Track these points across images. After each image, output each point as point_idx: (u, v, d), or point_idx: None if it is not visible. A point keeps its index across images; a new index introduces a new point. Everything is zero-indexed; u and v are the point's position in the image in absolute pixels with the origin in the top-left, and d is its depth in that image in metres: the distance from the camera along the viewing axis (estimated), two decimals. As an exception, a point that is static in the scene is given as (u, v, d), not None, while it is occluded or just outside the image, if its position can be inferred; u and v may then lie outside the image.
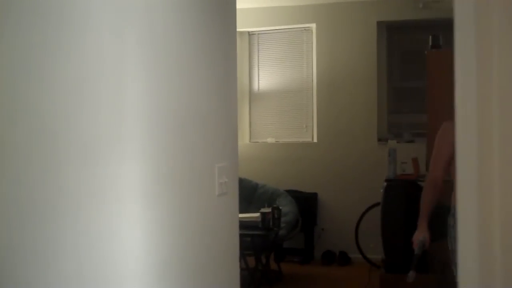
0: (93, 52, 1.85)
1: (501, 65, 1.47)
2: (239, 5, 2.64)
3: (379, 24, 6.77)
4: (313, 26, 6.95)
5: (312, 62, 7.01)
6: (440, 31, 5.77)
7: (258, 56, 7.21)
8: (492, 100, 1.48)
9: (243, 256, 5.21)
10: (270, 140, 7.17)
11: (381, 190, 5.49)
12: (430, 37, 5.54)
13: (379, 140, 6.70)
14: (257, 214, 5.48)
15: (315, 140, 7.00)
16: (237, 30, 2.59)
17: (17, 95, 1.93)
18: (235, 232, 2.57)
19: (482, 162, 1.48)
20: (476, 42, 1.49)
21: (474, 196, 1.48)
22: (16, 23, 1.92)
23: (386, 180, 5.46)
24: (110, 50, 1.84)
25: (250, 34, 7.20)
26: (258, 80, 7.22)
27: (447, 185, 3.40)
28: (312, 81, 7.01)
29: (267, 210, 5.46)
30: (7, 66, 1.93)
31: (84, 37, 1.86)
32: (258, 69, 7.22)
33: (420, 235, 3.38)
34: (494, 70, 1.48)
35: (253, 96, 7.23)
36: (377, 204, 6.04)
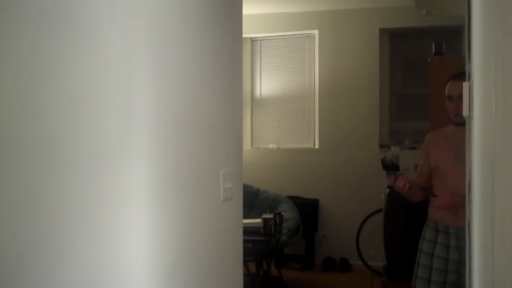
0: (101, 57, 1.85)
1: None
2: (243, 11, 2.64)
3: (382, 31, 6.77)
4: (316, 32, 6.96)
5: (314, 68, 7.02)
6: (443, 38, 5.78)
7: (261, 62, 7.22)
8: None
9: (244, 262, 5.19)
10: (271, 146, 7.16)
11: (383, 197, 5.48)
12: (433, 44, 5.55)
13: (381, 146, 6.69)
14: (259, 220, 5.47)
15: (316, 146, 7.00)
16: (242, 35, 2.59)
17: (23, 98, 1.92)
18: (239, 237, 2.57)
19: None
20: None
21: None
22: (22, 26, 1.92)
23: (389, 187, 5.45)
24: (118, 55, 1.83)
25: (252, 40, 7.21)
26: (260, 86, 7.23)
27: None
28: (314, 87, 7.01)
29: (269, 216, 5.45)
30: (13, 69, 1.93)
31: (92, 41, 1.85)
32: (261, 75, 7.23)
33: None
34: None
35: (255, 102, 7.24)
36: (378, 211, 6.04)
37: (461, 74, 3.16)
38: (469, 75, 1.79)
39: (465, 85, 1.73)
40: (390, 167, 3.39)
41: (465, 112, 1.73)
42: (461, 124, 3.07)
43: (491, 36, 1.48)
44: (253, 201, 6.51)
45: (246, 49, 7.13)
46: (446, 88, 3.28)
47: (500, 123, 1.45)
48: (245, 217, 5.20)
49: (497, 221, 1.42)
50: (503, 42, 1.46)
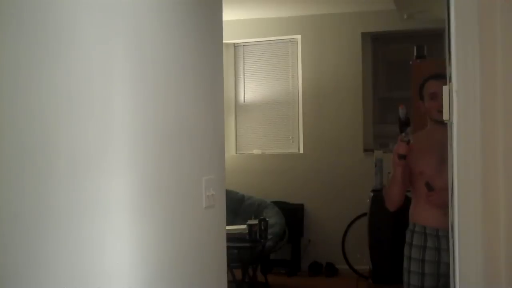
0: (80, 67, 1.84)
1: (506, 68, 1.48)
2: (225, 17, 2.63)
3: (364, 35, 6.80)
4: (298, 37, 6.97)
5: (297, 73, 7.02)
6: (425, 42, 5.81)
7: (244, 68, 7.22)
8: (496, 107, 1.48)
9: (230, 268, 5.18)
10: (256, 151, 7.16)
11: (368, 201, 5.49)
12: (415, 47, 5.57)
13: (365, 150, 6.70)
14: (244, 226, 5.46)
15: (301, 151, 7.00)
16: (223, 42, 2.58)
17: (6, 108, 1.91)
18: (223, 245, 2.55)
19: (486, 176, 1.48)
20: (480, 43, 1.49)
21: (479, 216, 1.47)
22: (3, 36, 1.90)
23: (373, 191, 5.46)
24: (97, 64, 1.83)
25: (235, 46, 7.20)
26: (244, 91, 7.21)
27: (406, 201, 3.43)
28: (298, 92, 7.02)
29: (254, 222, 5.45)
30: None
31: (71, 52, 1.85)
32: (244, 80, 7.22)
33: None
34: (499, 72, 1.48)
35: (239, 107, 7.22)
36: (363, 215, 6.04)
37: (440, 74, 3.13)
38: (449, 78, 1.80)
39: (445, 88, 1.74)
40: (405, 121, 3.26)
41: (445, 116, 1.73)
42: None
43: (467, 39, 1.50)
44: (238, 207, 6.50)
45: (229, 55, 7.12)
46: (427, 87, 3.22)
47: (476, 126, 1.47)
48: (230, 223, 5.19)
49: (462, 223, 1.45)
50: (480, 46, 1.47)
